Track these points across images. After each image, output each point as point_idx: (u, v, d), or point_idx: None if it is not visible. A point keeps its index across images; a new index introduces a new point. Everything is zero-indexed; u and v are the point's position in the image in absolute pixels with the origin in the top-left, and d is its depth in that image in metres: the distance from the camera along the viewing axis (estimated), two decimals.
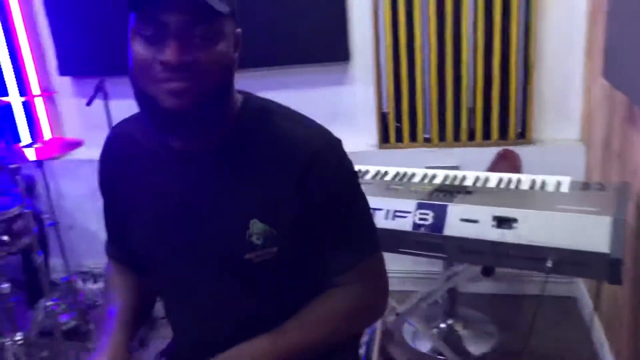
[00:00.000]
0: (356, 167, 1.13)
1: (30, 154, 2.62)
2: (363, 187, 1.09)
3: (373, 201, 1.29)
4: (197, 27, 0.87)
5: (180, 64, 0.86)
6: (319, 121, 1.06)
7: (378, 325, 1.36)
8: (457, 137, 2.64)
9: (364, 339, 1.34)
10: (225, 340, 1.01)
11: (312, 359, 1.04)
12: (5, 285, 2.28)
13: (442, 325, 2.47)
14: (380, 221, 1.66)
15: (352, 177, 1.07)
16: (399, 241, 1.64)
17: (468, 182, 1.85)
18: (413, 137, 2.69)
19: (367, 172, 2.06)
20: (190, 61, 0.87)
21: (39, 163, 2.67)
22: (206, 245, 1.03)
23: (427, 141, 2.68)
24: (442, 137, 2.65)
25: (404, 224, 1.63)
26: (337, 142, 1.04)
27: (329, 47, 2.68)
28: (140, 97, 0.93)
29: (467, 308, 2.56)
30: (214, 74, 0.91)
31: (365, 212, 1.10)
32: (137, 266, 1.17)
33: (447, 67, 2.54)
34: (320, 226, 1.02)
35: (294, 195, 0.98)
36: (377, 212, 1.67)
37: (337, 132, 1.06)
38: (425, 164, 2.47)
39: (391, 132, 2.71)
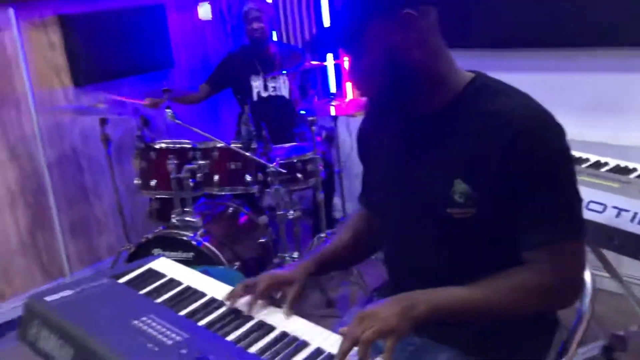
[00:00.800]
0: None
1: (331, 110, 3.12)
2: None
3: None
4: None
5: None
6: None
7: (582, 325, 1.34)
8: None
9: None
10: (426, 284, 1.13)
11: (491, 327, 1.14)
12: (294, 213, 2.81)
13: None
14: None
15: (562, 159, 1.10)
16: None
17: None
18: None
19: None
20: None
21: (334, 118, 3.16)
22: (417, 197, 1.20)
23: None
24: None
25: None
26: (554, 124, 1.10)
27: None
28: None
29: None
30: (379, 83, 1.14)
31: (571, 197, 1.12)
32: (374, 211, 1.41)
33: None
34: (520, 199, 1.08)
35: (499, 164, 1.08)
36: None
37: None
38: None
39: None
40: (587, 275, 1.34)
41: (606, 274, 2.12)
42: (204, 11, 3.72)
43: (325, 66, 3.70)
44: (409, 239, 1.26)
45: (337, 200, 3.47)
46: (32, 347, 1.23)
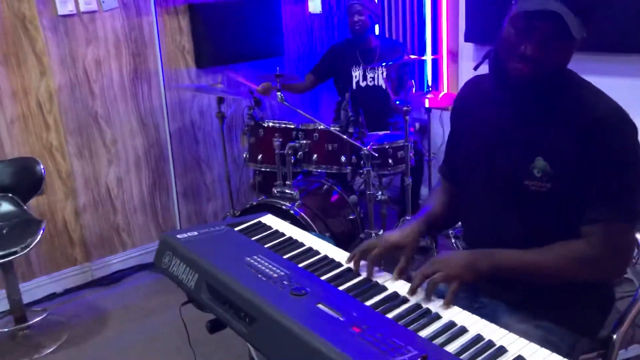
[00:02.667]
0: None
1: (426, 102, 3.30)
2: None
3: None
4: (550, 41, 1.23)
5: (532, 58, 1.24)
6: None
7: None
8: None
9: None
10: (500, 245, 1.32)
11: (553, 295, 1.32)
12: (382, 195, 3.03)
13: None
14: None
15: (632, 151, 1.26)
16: None
17: None
18: None
19: None
20: (537, 58, 1.24)
21: (428, 110, 3.33)
22: (499, 169, 1.38)
23: None
24: None
25: None
26: (630, 120, 1.26)
27: None
28: (496, 63, 1.33)
29: None
30: (548, 66, 1.26)
31: (633, 186, 1.27)
32: (455, 182, 1.58)
33: None
34: (589, 180, 1.25)
35: (578, 148, 1.26)
36: None
37: None
38: None
39: None
40: None
41: None
42: (314, 5, 4.01)
43: (424, 60, 3.86)
44: (487, 207, 1.43)
45: (424, 190, 3.65)
46: (164, 272, 1.53)
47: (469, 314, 1.19)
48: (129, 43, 3.21)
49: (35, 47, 2.90)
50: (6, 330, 2.77)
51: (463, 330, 1.13)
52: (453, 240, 3.40)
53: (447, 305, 1.19)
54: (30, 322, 2.79)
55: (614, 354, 1.41)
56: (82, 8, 3.00)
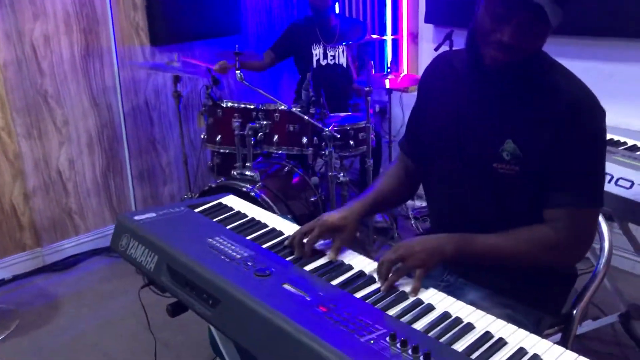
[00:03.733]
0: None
1: (386, 83, 3.29)
2: None
3: None
4: (527, 28, 1.20)
5: (508, 45, 1.21)
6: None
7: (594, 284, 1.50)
8: None
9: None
10: (466, 230, 1.31)
11: (517, 273, 1.32)
12: (344, 176, 3.02)
13: None
14: None
15: (599, 137, 1.27)
16: None
17: None
18: None
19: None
20: (513, 45, 1.21)
21: (388, 91, 3.32)
22: (468, 150, 1.36)
23: None
24: None
25: None
26: (599, 106, 1.26)
27: None
28: (470, 46, 1.30)
29: None
30: (523, 51, 1.23)
31: (598, 171, 1.28)
32: (417, 159, 1.56)
33: None
34: (557, 164, 1.25)
35: (549, 131, 1.25)
36: None
37: None
38: None
39: None
40: (606, 237, 1.51)
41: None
42: None
43: (384, 40, 3.85)
44: (454, 188, 1.41)
45: (383, 170, 3.65)
46: (122, 255, 1.47)
47: (436, 291, 1.18)
48: (79, 19, 3.06)
49: None
50: None
51: (430, 308, 1.12)
52: (412, 222, 3.43)
53: (415, 292, 1.17)
54: None
55: (573, 329, 1.43)
56: None
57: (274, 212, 2.65)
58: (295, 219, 2.79)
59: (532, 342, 1.02)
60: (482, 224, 1.32)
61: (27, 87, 2.95)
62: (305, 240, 1.35)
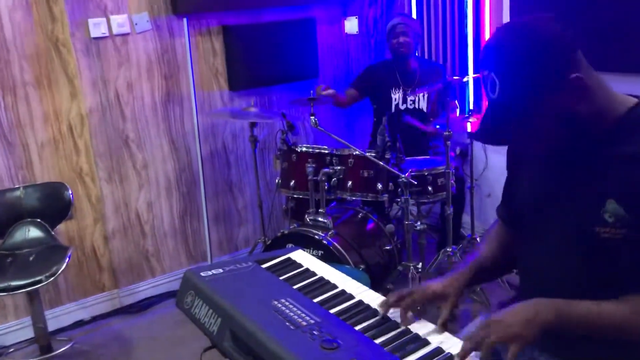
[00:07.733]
0: None
1: (468, 126, 3.13)
2: None
3: None
4: None
5: None
6: None
7: None
8: None
9: None
10: (561, 295, 1.15)
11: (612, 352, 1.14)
12: (421, 224, 2.87)
13: None
14: None
15: None
16: None
17: None
18: None
19: None
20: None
21: (470, 135, 3.17)
22: (564, 213, 1.21)
23: None
24: None
25: None
26: None
27: None
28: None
29: None
30: None
31: None
32: (514, 225, 1.41)
33: None
34: None
35: None
36: None
37: None
38: None
39: None
40: None
41: None
42: (351, 25, 3.90)
43: (465, 82, 3.70)
44: (549, 253, 1.26)
45: (466, 218, 3.46)
46: (186, 313, 1.42)
47: None
48: (161, 65, 3.15)
49: (67, 70, 2.86)
50: None
51: None
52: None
53: None
54: (55, 352, 2.72)
55: None
56: (115, 30, 2.96)
57: (346, 261, 2.55)
58: (369, 269, 2.67)
59: None
60: (577, 293, 1.16)
61: (110, 132, 3.05)
62: (402, 304, 1.25)
